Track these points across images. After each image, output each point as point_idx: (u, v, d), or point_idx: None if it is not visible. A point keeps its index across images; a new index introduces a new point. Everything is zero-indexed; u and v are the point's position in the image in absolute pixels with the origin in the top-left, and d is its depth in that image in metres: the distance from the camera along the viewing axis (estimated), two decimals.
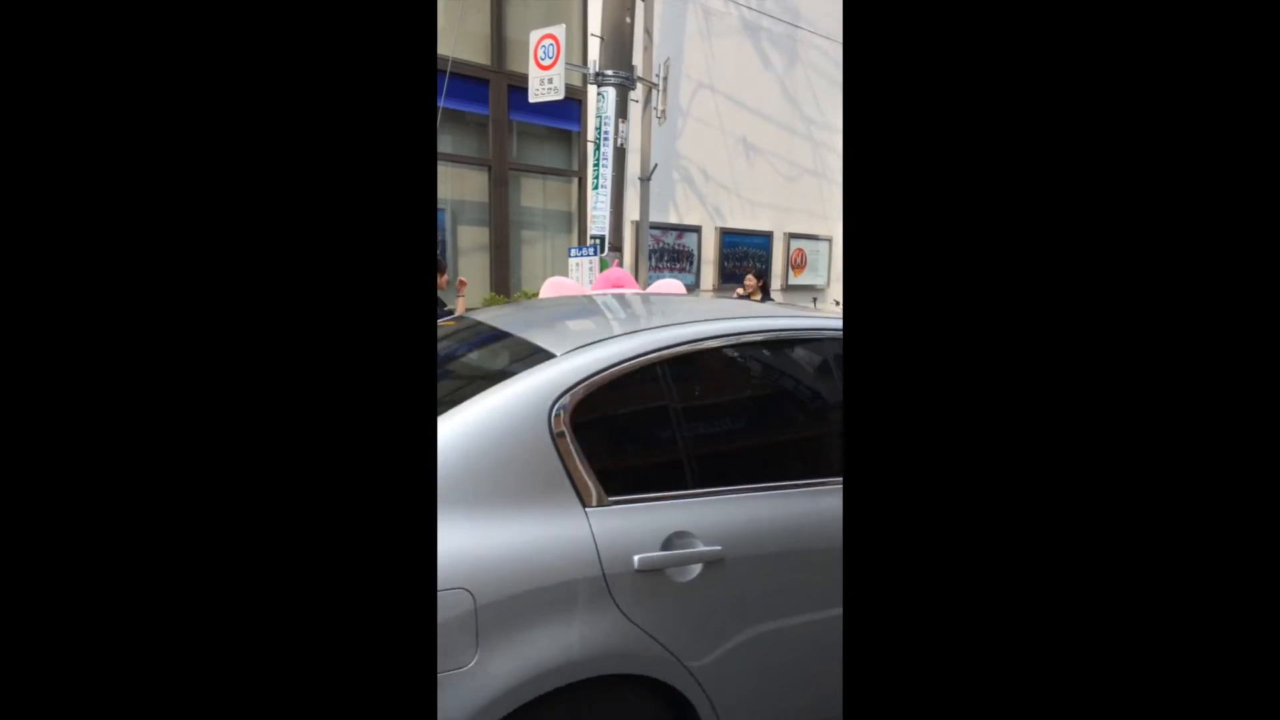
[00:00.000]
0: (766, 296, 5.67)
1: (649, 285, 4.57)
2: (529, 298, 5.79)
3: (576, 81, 5.92)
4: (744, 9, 7.46)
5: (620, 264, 5.20)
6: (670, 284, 4.37)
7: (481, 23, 6.10)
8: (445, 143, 5.73)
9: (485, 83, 6.11)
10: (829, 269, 9.20)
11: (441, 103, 5.23)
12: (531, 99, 5.17)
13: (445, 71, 5.36)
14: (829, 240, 9.02)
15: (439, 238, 5.94)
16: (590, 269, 5.25)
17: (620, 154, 5.37)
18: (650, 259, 6.77)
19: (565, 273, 6.66)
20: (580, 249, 5.44)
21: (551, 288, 4.21)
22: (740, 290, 5.63)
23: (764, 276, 5.95)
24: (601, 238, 5.41)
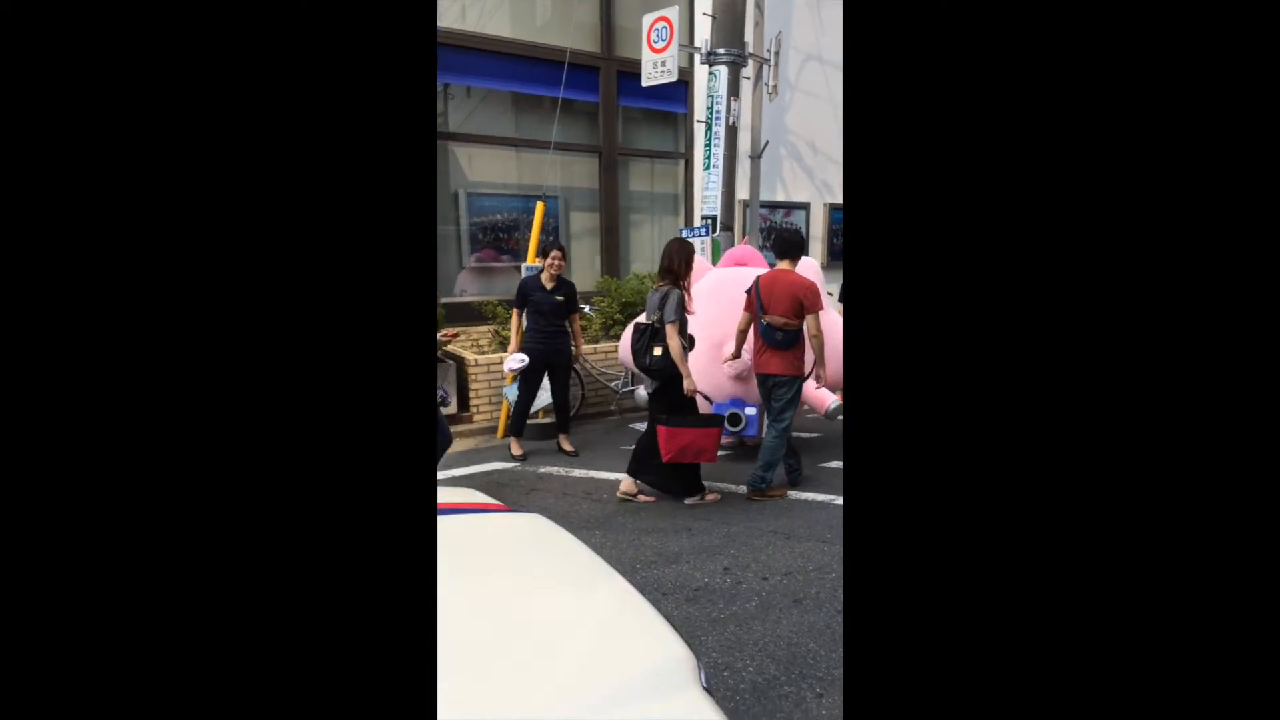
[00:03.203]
0: None
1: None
2: (639, 280, 5.90)
3: (684, 63, 5.93)
4: None
5: (747, 242, 5.20)
6: (806, 262, 4.33)
7: (590, 12, 6.22)
8: (547, 131, 5.91)
9: (596, 70, 6.25)
10: None
11: (560, 94, 5.41)
12: (645, 82, 5.24)
13: (564, 63, 5.54)
14: None
15: (551, 224, 6.16)
16: (702, 249, 5.29)
17: (732, 132, 5.35)
18: (759, 237, 6.71)
19: None
20: (692, 230, 5.49)
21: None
22: None
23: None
24: (714, 217, 5.43)
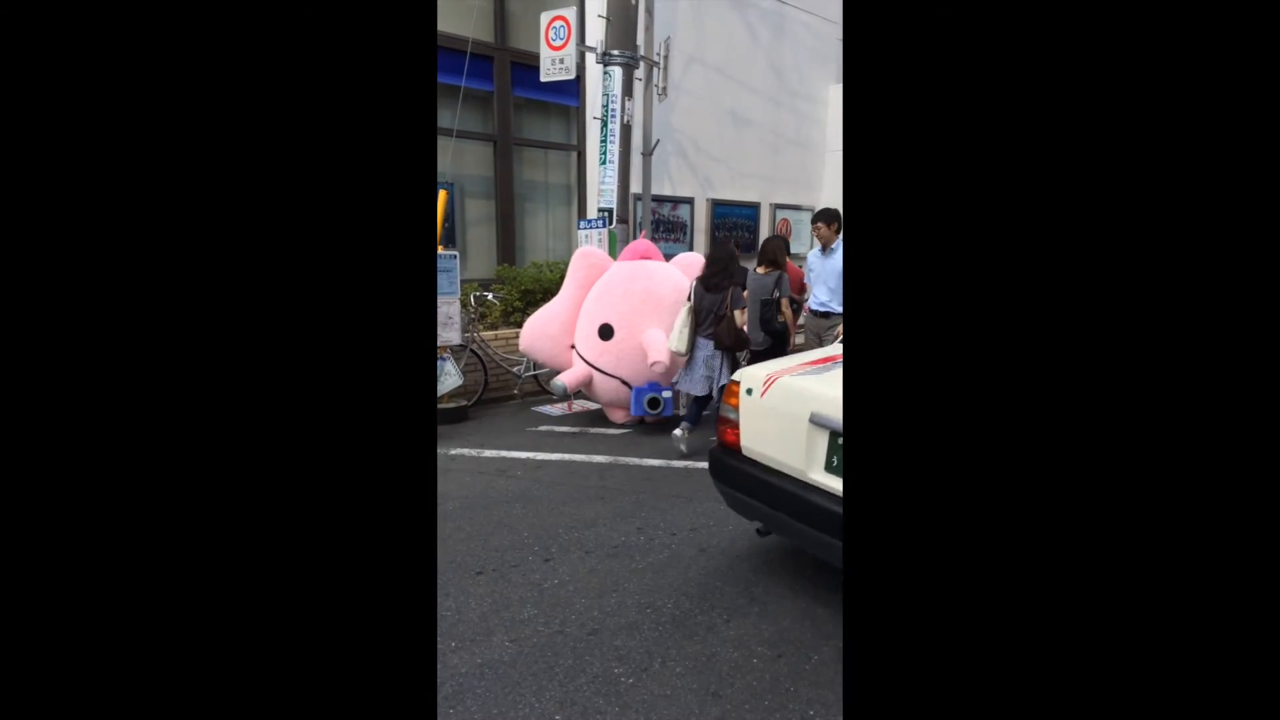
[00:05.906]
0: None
1: (670, 258, 4.92)
2: (538, 268, 6.09)
3: (576, 59, 6.15)
4: None
5: (644, 235, 5.53)
6: (694, 258, 4.76)
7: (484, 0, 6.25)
8: (448, 118, 5.92)
9: (490, 60, 6.31)
10: (811, 239, 9.61)
11: (463, 83, 5.45)
12: (544, 78, 5.42)
13: (456, 50, 5.57)
14: (812, 210, 9.41)
15: (448, 210, 6.17)
16: (600, 240, 5.58)
17: (626, 130, 5.66)
18: (650, 229, 7.09)
19: (571, 244, 6.95)
20: (589, 221, 5.75)
21: (582, 258, 4.55)
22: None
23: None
24: (610, 210, 5.73)
